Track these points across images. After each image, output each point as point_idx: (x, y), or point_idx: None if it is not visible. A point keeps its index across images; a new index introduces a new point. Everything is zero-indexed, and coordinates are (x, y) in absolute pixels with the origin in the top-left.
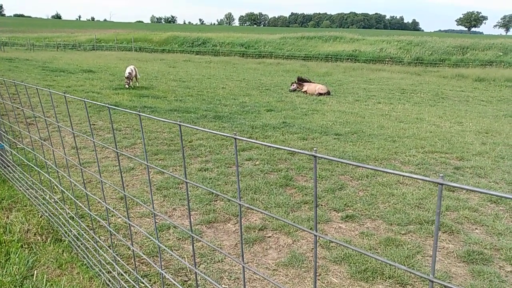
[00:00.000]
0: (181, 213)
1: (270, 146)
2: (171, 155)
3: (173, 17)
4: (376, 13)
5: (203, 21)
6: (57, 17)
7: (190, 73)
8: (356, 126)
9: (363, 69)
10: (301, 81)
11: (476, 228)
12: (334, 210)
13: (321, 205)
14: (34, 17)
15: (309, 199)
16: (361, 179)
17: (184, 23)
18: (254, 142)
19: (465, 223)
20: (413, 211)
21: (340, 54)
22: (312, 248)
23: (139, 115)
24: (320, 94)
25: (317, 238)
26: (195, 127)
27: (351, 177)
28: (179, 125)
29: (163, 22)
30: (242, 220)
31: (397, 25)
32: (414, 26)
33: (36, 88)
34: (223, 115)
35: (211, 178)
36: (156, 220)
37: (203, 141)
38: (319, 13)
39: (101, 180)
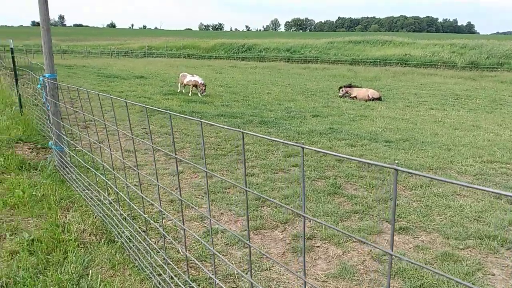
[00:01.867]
0: (228, 218)
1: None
2: (218, 159)
3: (220, 24)
4: (427, 16)
5: (249, 28)
6: (112, 26)
7: (236, 79)
8: (407, 133)
9: (413, 73)
10: (349, 87)
11: None
12: (386, 221)
13: (372, 216)
14: (91, 26)
15: (359, 209)
16: (414, 189)
17: (231, 30)
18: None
19: None
20: (472, 224)
21: (389, 58)
22: (364, 261)
23: (201, 122)
24: (373, 99)
25: (392, 258)
26: (257, 134)
27: (404, 186)
28: (242, 132)
29: (211, 30)
30: (289, 228)
31: (450, 28)
32: (468, 29)
33: (98, 94)
34: (268, 121)
35: (257, 184)
36: (205, 225)
37: (249, 146)
38: (367, 17)
39: (158, 184)
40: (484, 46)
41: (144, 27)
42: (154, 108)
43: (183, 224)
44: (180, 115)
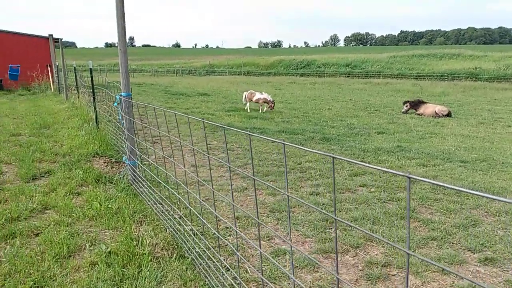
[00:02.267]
0: (295, 238)
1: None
2: (282, 176)
3: (279, 41)
4: (499, 27)
5: (307, 44)
6: (177, 45)
7: (295, 95)
8: (484, 153)
9: (485, 88)
10: (414, 103)
11: None
12: (469, 250)
13: (453, 244)
14: (158, 46)
15: (437, 235)
16: (498, 215)
17: (289, 46)
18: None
19: None
20: None
21: (458, 72)
22: None
23: (249, 135)
24: (442, 115)
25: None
26: (298, 146)
27: (486, 212)
28: (284, 144)
29: (270, 47)
30: (361, 253)
31: None
32: None
33: (163, 110)
34: (330, 137)
35: (323, 204)
36: (272, 244)
37: (312, 164)
38: (432, 30)
39: (233, 205)
40: None
41: (207, 46)
42: (210, 122)
43: (260, 246)
44: (232, 128)
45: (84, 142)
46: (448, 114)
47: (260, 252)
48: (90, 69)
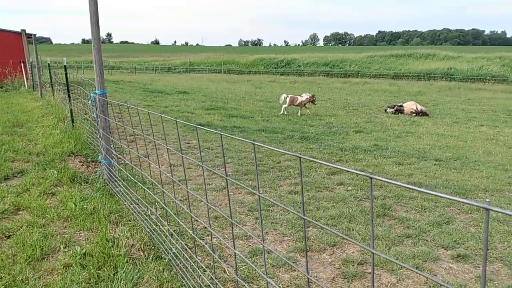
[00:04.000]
0: (273, 237)
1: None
2: (261, 175)
3: (259, 40)
4: (473, 29)
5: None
6: (156, 42)
7: (276, 94)
8: (458, 151)
9: (460, 88)
10: (399, 107)
11: None
12: (443, 247)
13: (427, 241)
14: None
15: (412, 233)
16: (471, 213)
17: (270, 45)
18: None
19: None
20: None
21: (434, 72)
22: None
23: (221, 134)
24: (421, 112)
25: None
26: (267, 146)
27: (459, 209)
28: (254, 144)
29: (250, 45)
30: (338, 251)
31: (499, 40)
32: None
33: (137, 109)
34: (309, 136)
35: (301, 203)
36: (250, 244)
37: (291, 162)
38: (409, 30)
39: (208, 205)
40: None
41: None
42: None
43: (234, 245)
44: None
45: (59, 141)
46: (426, 113)
47: (235, 253)
48: (65, 66)
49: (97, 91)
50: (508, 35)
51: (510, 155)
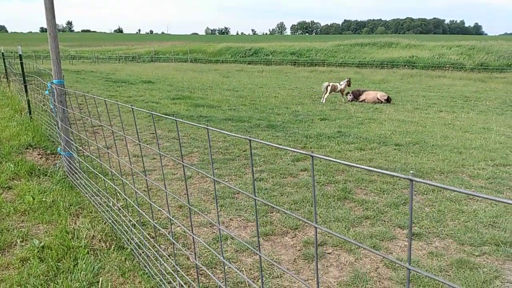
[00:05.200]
0: (238, 223)
1: (269, 145)
2: (227, 164)
3: (226, 28)
4: (434, 18)
5: (255, 31)
6: (119, 31)
7: (243, 83)
8: (417, 136)
9: (421, 75)
10: (356, 93)
11: None
12: (399, 227)
13: (384, 221)
14: (98, 32)
15: (370, 214)
16: (426, 194)
17: (237, 34)
18: (268, 144)
19: None
20: (487, 230)
21: (397, 60)
22: (377, 268)
23: (176, 120)
24: (384, 101)
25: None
26: (220, 130)
27: (415, 191)
28: (207, 129)
29: (217, 34)
30: (300, 234)
31: (458, 29)
32: (476, 30)
33: (104, 100)
34: (276, 124)
35: (266, 189)
36: (214, 231)
37: (257, 150)
38: (373, 20)
39: (166, 192)
40: (493, 47)
41: (151, 32)
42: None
43: (192, 231)
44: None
45: (16, 133)
46: (388, 100)
47: (193, 237)
48: (20, 55)
49: (54, 81)
50: (467, 24)
51: (465, 138)
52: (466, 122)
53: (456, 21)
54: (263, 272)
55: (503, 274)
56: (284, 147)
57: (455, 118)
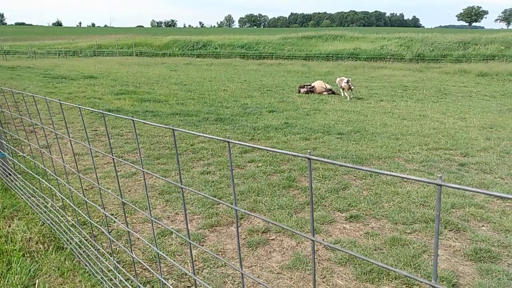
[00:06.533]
0: (183, 217)
1: (267, 150)
2: (173, 159)
3: (173, 21)
4: (376, 11)
5: (203, 24)
6: (58, 24)
7: (191, 76)
8: (358, 125)
9: (364, 67)
10: (310, 87)
11: (482, 225)
12: (338, 211)
13: (325, 206)
14: (35, 25)
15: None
16: (365, 178)
17: (184, 26)
18: (249, 146)
19: (472, 220)
20: (418, 209)
21: (341, 53)
22: (317, 250)
23: (133, 120)
24: (330, 90)
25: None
26: (188, 131)
27: (355, 176)
28: (173, 129)
29: (164, 26)
30: (245, 223)
31: (397, 22)
32: (414, 23)
33: (33, 96)
34: (224, 118)
35: (213, 181)
36: (159, 226)
37: (205, 144)
38: (319, 13)
39: (99, 188)
40: (429, 39)
41: (93, 25)
42: (88, 108)
43: (127, 225)
44: (112, 114)
45: None
46: (331, 90)
47: (129, 232)
48: None
49: None
50: (406, 17)
51: (403, 125)
52: (405, 110)
53: (396, 14)
54: (208, 263)
55: (430, 249)
56: (282, 151)
57: (394, 107)
